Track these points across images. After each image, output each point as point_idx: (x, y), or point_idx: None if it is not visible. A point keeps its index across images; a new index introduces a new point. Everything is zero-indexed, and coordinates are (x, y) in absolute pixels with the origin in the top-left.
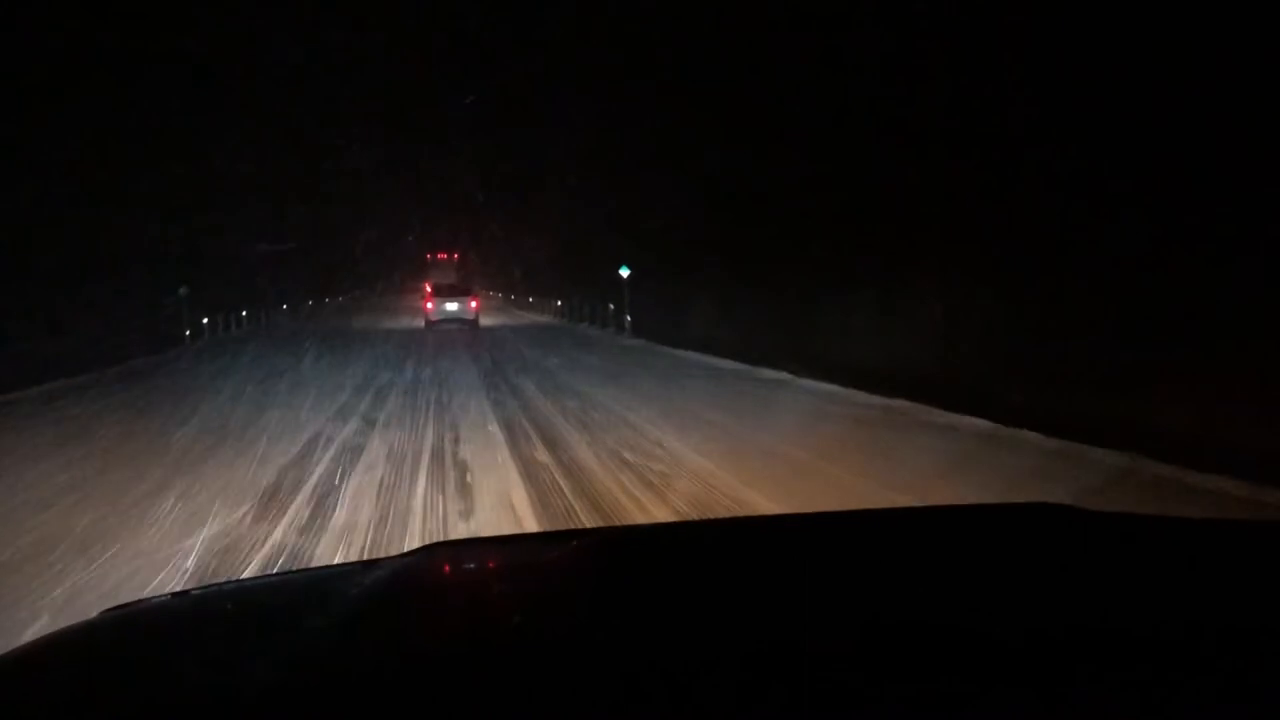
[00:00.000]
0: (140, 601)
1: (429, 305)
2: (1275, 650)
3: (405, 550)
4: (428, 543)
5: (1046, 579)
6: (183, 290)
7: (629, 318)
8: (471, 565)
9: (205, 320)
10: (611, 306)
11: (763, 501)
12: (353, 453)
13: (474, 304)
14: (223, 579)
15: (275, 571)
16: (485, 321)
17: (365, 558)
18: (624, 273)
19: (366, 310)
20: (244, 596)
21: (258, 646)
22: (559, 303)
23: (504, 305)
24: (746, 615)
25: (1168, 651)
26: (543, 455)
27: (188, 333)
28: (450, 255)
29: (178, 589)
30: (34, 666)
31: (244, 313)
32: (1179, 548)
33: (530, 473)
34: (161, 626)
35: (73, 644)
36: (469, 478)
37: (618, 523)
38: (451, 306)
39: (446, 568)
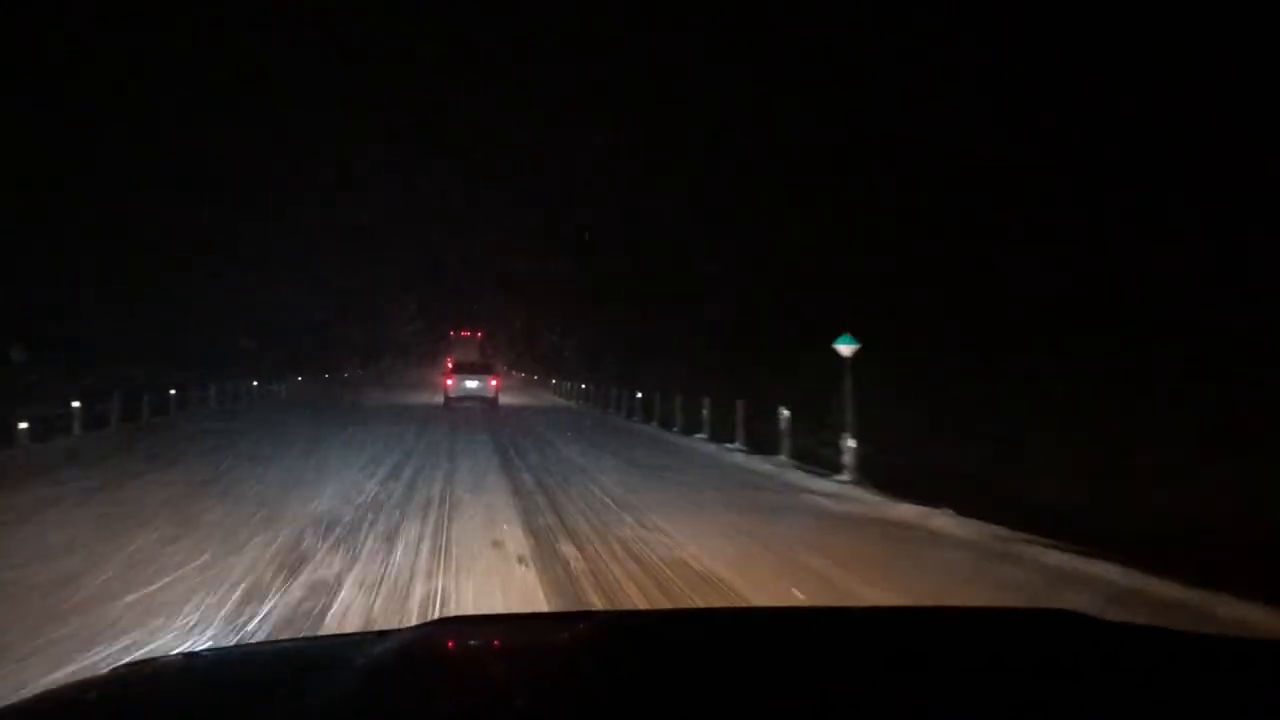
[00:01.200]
0: (153, 660)
1: (449, 381)
2: None
3: (416, 624)
4: (439, 617)
5: (1057, 686)
6: (15, 353)
7: (853, 443)
8: (478, 643)
9: (77, 403)
10: (785, 413)
11: None
12: None
13: (494, 383)
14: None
15: (287, 637)
16: (538, 439)
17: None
18: (844, 348)
19: (368, 388)
20: (255, 661)
21: (265, 714)
22: (639, 394)
23: (537, 389)
24: (756, 710)
25: None
26: None
27: (22, 425)
28: (474, 333)
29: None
30: (40, 718)
31: (173, 392)
32: (1187, 662)
33: None
34: (172, 688)
35: (82, 699)
36: None
37: None
38: (471, 384)
39: (453, 644)
